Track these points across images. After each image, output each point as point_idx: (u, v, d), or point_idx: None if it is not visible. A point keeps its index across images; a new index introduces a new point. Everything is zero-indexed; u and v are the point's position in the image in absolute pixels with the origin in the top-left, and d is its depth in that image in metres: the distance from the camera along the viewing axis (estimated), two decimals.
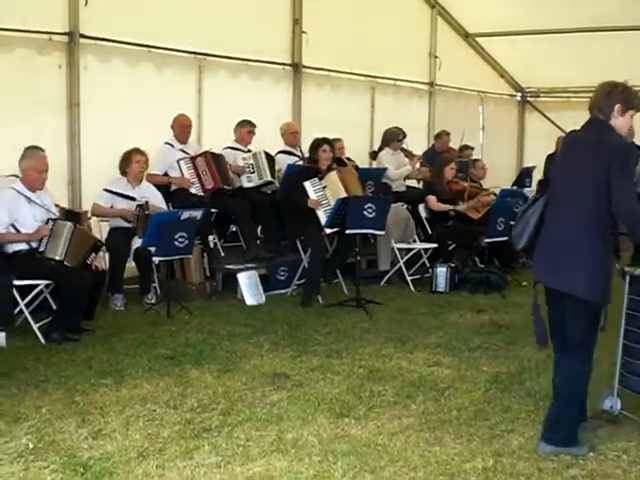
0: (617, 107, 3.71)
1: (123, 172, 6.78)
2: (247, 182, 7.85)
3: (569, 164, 3.74)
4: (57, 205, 5.98)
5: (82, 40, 7.04)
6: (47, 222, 5.70)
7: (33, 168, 5.64)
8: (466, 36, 12.11)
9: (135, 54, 7.50)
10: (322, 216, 7.16)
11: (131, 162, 6.73)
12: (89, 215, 6.40)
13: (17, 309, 5.55)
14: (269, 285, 7.38)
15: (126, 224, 6.69)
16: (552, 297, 3.76)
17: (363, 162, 9.79)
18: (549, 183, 3.92)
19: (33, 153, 5.71)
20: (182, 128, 7.53)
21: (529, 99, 13.62)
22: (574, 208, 3.63)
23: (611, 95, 3.73)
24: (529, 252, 3.94)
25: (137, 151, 6.76)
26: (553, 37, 11.03)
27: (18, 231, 5.65)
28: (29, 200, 5.66)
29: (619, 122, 3.72)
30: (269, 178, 7.82)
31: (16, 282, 5.46)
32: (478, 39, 12.17)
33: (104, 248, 6.31)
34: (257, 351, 5.41)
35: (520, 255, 9.05)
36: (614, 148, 3.62)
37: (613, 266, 3.71)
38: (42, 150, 5.75)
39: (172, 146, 7.49)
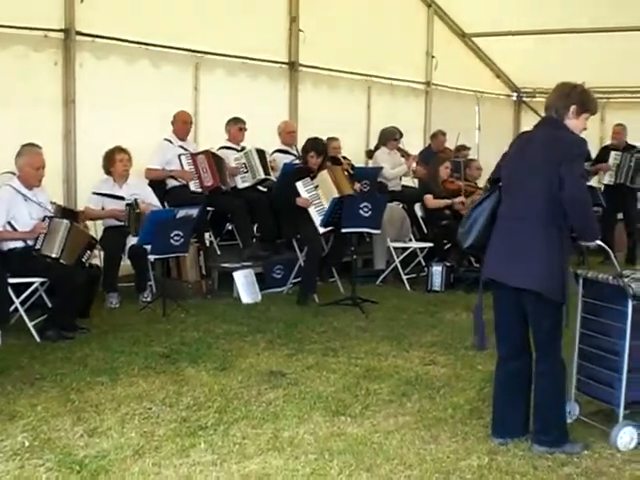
0: (573, 108, 3.73)
1: (108, 172, 6.76)
2: (242, 182, 7.84)
3: (521, 161, 3.73)
4: (53, 202, 5.97)
5: (78, 37, 7.02)
6: (44, 220, 5.69)
7: (29, 165, 5.63)
8: (462, 36, 12.12)
9: (131, 51, 7.48)
10: (315, 215, 7.17)
11: (114, 161, 6.70)
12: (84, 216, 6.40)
13: (12, 307, 5.53)
14: (265, 283, 7.38)
15: (119, 223, 6.68)
16: (505, 296, 3.71)
17: (359, 161, 9.77)
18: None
19: (29, 150, 5.70)
20: (183, 124, 7.49)
21: (525, 99, 13.64)
22: (528, 205, 3.62)
23: (569, 96, 3.74)
24: (477, 250, 3.91)
25: (119, 150, 6.73)
26: (549, 37, 11.05)
27: (14, 229, 5.64)
28: (25, 198, 5.65)
29: (572, 123, 3.74)
30: (262, 176, 7.81)
31: (11, 280, 5.45)
32: (475, 39, 12.17)
33: (99, 246, 6.31)
34: (253, 349, 5.41)
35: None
36: (566, 143, 3.64)
37: (568, 263, 3.68)
38: (38, 147, 5.74)
39: (171, 142, 7.48)
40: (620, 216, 10.03)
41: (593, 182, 10.43)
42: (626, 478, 3.51)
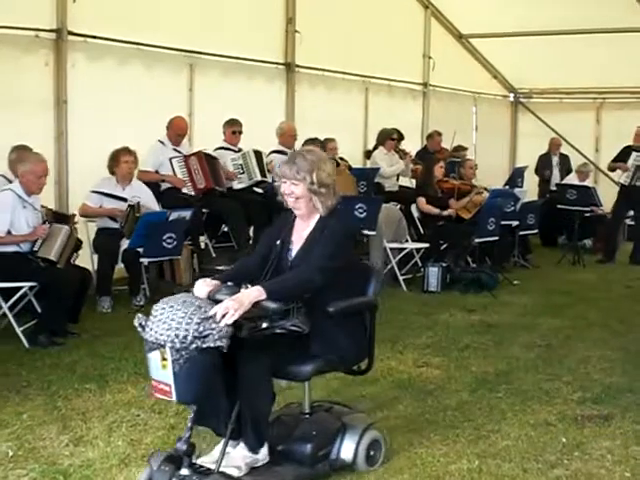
0: None
1: (112, 172, 6.71)
2: (238, 183, 7.80)
3: None
4: (43, 206, 5.92)
5: (70, 37, 6.95)
6: (44, 223, 5.68)
7: (32, 172, 5.58)
8: (460, 37, 12.11)
9: (124, 52, 7.42)
10: None
11: (119, 162, 6.63)
12: (76, 218, 6.34)
13: (0, 312, 5.47)
14: None
15: (114, 225, 6.62)
16: None
17: (356, 162, 9.75)
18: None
19: (34, 157, 5.68)
20: (177, 137, 7.40)
21: (522, 100, 13.63)
22: None
23: None
24: None
25: (126, 151, 6.66)
26: (546, 39, 11.03)
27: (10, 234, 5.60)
28: (24, 205, 5.61)
29: None
30: (259, 178, 7.78)
31: None
32: (471, 40, 12.17)
33: (92, 249, 6.27)
34: None
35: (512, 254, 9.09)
36: None
37: None
38: (42, 155, 5.73)
39: (164, 144, 7.43)
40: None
41: (614, 176, 10.46)
42: None
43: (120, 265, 6.59)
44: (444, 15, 11.69)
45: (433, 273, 7.70)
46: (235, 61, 8.59)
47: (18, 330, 5.46)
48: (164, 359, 2.90)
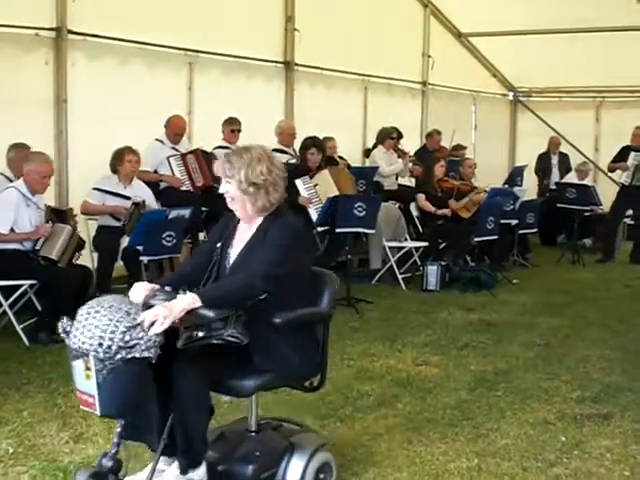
0: None
1: (114, 170, 6.70)
2: None
3: None
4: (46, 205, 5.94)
5: (70, 36, 6.93)
6: (47, 222, 5.68)
7: (37, 172, 5.59)
8: (459, 36, 12.10)
9: (125, 51, 7.40)
10: (313, 214, 7.16)
11: (123, 161, 6.62)
12: (75, 212, 6.35)
13: (0, 310, 5.48)
14: None
15: (115, 223, 6.62)
16: None
17: (355, 161, 9.75)
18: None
19: (39, 157, 5.69)
20: (175, 136, 7.40)
21: (521, 99, 13.63)
22: None
23: None
24: None
25: (130, 150, 6.64)
26: (545, 37, 11.04)
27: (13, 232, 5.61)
28: (28, 203, 5.62)
29: None
30: None
31: None
32: (471, 39, 12.16)
33: (92, 247, 6.26)
34: None
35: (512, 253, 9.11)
36: None
37: None
38: (48, 157, 5.75)
39: (162, 143, 7.43)
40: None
41: (614, 177, 10.47)
42: (615, 479, 3.46)
43: (120, 263, 6.59)
44: (443, 14, 11.68)
45: (432, 272, 7.71)
46: (234, 60, 8.57)
47: (18, 328, 5.47)
48: (88, 369, 2.70)
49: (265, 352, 3.03)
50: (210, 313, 2.83)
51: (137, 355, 2.70)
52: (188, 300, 2.81)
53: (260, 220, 3.13)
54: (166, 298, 2.85)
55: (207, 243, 3.32)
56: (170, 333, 2.84)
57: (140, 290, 2.92)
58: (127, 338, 2.69)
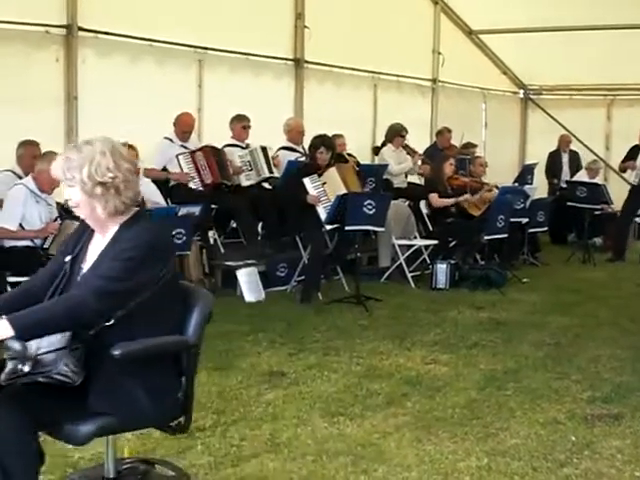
0: None
1: None
2: (246, 180, 7.79)
3: None
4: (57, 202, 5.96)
5: (80, 33, 6.97)
6: (55, 220, 5.69)
7: (48, 172, 5.59)
8: (469, 33, 12.05)
9: (135, 48, 7.43)
10: (322, 212, 7.15)
11: None
12: None
13: None
14: (269, 282, 7.34)
15: None
16: None
17: (365, 159, 9.73)
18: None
19: (50, 157, 5.70)
20: (182, 133, 7.41)
21: (532, 96, 13.56)
22: None
23: None
24: None
25: (127, 146, 6.66)
26: (556, 35, 10.96)
27: (23, 229, 5.64)
28: (37, 200, 5.65)
29: None
30: (267, 174, 7.79)
31: (10, 279, 5.43)
32: (481, 36, 12.10)
33: None
34: (254, 349, 5.37)
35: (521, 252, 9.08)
36: None
37: None
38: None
39: (171, 141, 7.44)
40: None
41: (626, 176, 10.42)
42: (626, 479, 3.44)
43: None
44: (454, 11, 11.64)
45: (441, 270, 7.68)
46: (244, 57, 8.58)
47: None
48: None
49: (101, 391, 2.52)
50: (18, 345, 2.30)
51: None
52: None
53: (116, 228, 2.64)
54: None
55: (57, 255, 2.83)
56: None
57: None
58: None
